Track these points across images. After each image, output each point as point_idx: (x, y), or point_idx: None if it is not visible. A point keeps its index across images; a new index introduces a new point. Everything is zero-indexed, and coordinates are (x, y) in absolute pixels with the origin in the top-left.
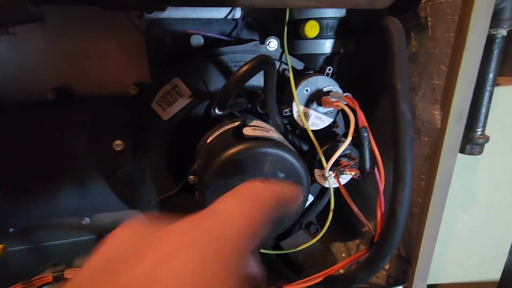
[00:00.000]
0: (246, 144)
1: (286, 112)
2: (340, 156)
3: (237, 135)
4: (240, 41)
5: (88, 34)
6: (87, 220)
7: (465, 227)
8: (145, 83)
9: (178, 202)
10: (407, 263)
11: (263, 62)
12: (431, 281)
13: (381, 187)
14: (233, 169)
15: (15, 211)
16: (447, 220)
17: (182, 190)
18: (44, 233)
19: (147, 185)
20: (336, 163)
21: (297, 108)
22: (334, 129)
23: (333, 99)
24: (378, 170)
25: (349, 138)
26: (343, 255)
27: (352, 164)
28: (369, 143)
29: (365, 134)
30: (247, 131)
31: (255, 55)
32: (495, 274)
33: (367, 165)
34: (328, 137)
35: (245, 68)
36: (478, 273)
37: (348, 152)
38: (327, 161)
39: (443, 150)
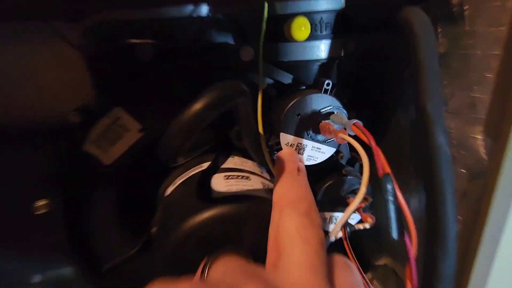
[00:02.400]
0: (214, 210)
1: (273, 146)
2: (346, 193)
3: (202, 194)
4: (206, 49)
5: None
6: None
7: None
8: (91, 107)
9: (137, 263)
10: None
11: (229, 96)
12: None
13: (412, 255)
14: (197, 245)
15: None
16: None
17: (145, 248)
18: None
19: (95, 249)
20: (343, 200)
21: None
22: (337, 159)
23: (335, 126)
24: (410, 237)
25: (360, 197)
26: None
27: (364, 206)
28: (395, 198)
29: (389, 186)
30: (217, 184)
31: (223, 71)
32: None
33: (394, 232)
34: (331, 169)
35: (198, 107)
36: None
37: (355, 187)
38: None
39: (495, 197)
